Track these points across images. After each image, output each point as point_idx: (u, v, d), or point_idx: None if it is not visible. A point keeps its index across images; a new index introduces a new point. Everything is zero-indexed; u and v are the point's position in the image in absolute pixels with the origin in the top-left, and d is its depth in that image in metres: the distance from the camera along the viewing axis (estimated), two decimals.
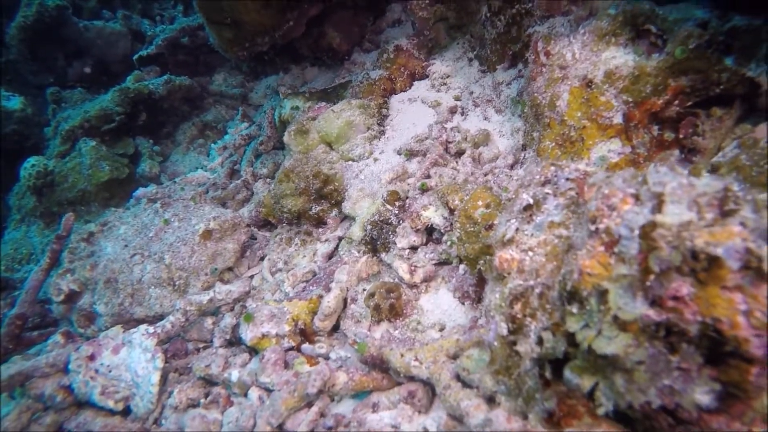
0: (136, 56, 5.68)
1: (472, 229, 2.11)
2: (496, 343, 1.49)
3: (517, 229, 1.61)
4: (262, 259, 3.60)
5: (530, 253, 1.54)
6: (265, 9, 3.49)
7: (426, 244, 2.66)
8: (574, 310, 1.25)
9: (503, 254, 1.55)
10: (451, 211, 2.33)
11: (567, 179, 1.61)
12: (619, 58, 2.25)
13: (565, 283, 1.28)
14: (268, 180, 4.10)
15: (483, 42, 3.54)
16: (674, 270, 1.16)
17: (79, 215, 4.66)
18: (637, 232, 1.15)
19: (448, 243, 2.31)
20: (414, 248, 2.67)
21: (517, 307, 1.48)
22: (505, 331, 1.45)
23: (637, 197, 1.21)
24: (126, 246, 3.40)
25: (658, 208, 1.16)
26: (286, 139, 3.60)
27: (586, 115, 2.23)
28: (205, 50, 5.93)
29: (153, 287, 3.20)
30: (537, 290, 1.41)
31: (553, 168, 1.65)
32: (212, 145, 4.99)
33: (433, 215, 2.46)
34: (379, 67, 3.86)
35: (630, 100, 2.20)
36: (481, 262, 2.09)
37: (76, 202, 4.66)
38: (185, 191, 3.84)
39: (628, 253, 1.16)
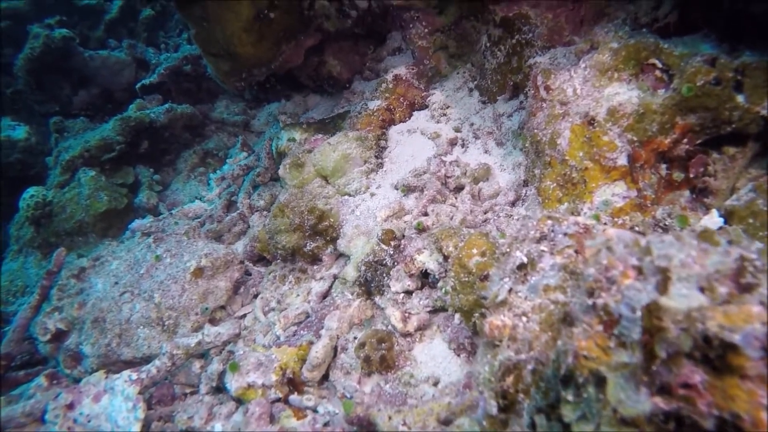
0: (138, 85, 5.68)
1: (467, 279, 1.97)
2: (485, 423, 1.33)
3: (510, 290, 1.47)
4: (255, 296, 3.48)
5: (524, 319, 1.39)
6: (260, 42, 3.43)
7: (421, 288, 2.52)
8: (570, 397, 1.10)
9: (494, 320, 1.41)
10: (446, 258, 2.19)
11: (565, 234, 1.47)
12: (623, 94, 2.12)
13: (560, 364, 1.13)
14: (264, 213, 3.99)
15: (483, 72, 3.44)
16: (684, 355, 1.01)
17: (77, 246, 4.59)
18: (639, 313, 1.00)
19: (443, 291, 2.17)
20: (409, 292, 2.53)
21: (509, 380, 1.33)
22: (494, 410, 1.30)
23: (640, 270, 1.06)
24: (116, 283, 3.30)
25: (663, 285, 1.02)
26: (281, 172, 3.50)
27: (589, 155, 2.10)
28: (208, 77, 5.91)
29: (141, 327, 3.08)
30: (530, 366, 1.26)
31: (549, 222, 1.51)
32: (211, 174, 4.92)
33: (428, 260, 2.33)
34: (377, 97, 3.77)
35: (635, 139, 2.06)
36: (476, 315, 1.94)
37: (73, 233, 4.60)
38: (179, 225, 3.75)
39: (630, 337, 1.01)
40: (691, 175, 2.19)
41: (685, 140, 2.08)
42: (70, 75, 5.80)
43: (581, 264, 1.41)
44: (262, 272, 3.64)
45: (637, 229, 1.98)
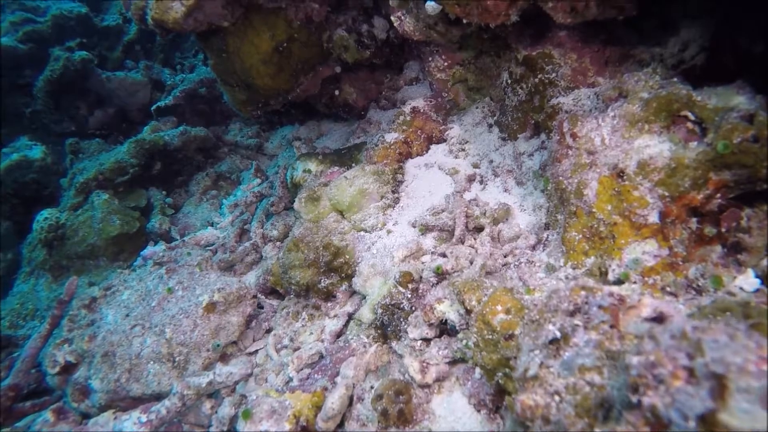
0: (153, 107, 5.70)
1: (490, 337, 1.90)
2: None
3: (541, 364, 1.40)
4: (268, 331, 3.43)
5: (557, 398, 1.32)
6: (279, 74, 3.42)
7: (440, 336, 2.45)
8: None
9: (526, 399, 1.34)
10: (468, 312, 2.13)
11: (600, 307, 1.40)
12: (654, 147, 2.06)
13: None
14: (278, 243, 3.95)
15: (504, 108, 3.39)
16: None
17: (87, 270, 4.58)
18: (693, 423, 0.93)
19: (464, 343, 2.09)
20: (427, 340, 2.46)
21: None
22: None
23: (691, 372, 0.99)
24: (127, 315, 3.26)
25: (719, 392, 0.94)
26: (296, 206, 3.46)
27: (618, 210, 2.03)
28: (222, 100, 5.94)
29: (152, 363, 3.03)
30: None
31: (583, 293, 1.44)
32: (223, 201, 4.90)
33: (448, 310, 2.26)
34: (395, 129, 3.73)
35: (666, 194, 1.99)
36: (499, 374, 1.87)
37: (85, 256, 4.59)
38: (192, 256, 3.71)
39: None
40: (724, 230, 2.11)
41: (719, 195, 2.01)
42: (87, 96, 5.85)
43: (617, 341, 1.34)
44: (275, 306, 3.59)
45: (669, 289, 1.91)
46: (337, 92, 4.47)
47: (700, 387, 0.97)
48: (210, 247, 4.28)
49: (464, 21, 2.54)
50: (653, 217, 1.95)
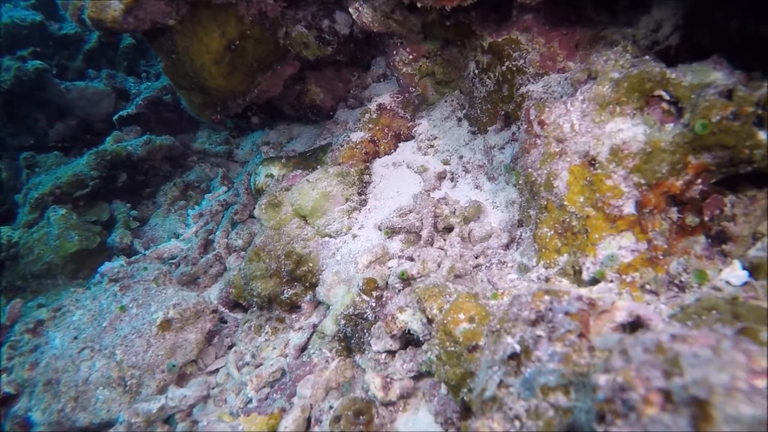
0: (115, 117, 5.46)
1: (453, 349, 1.69)
2: None
3: (500, 383, 1.19)
4: (230, 347, 3.19)
5: (517, 424, 1.11)
6: (232, 74, 3.20)
7: (405, 347, 2.23)
8: None
9: (481, 428, 1.13)
10: (430, 321, 1.92)
11: (566, 314, 1.20)
12: (627, 130, 1.87)
13: None
14: (242, 254, 3.72)
15: (472, 100, 3.21)
16: None
17: (45, 290, 4.31)
18: None
19: (427, 358, 1.88)
20: (392, 353, 2.25)
21: None
22: None
23: (668, 396, 0.79)
24: (76, 338, 3.01)
25: (702, 422, 0.74)
26: (257, 213, 3.24)
27: (591, 201, 1.84)
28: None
29: (101, 389, 2.78)
30: None
31: (547, 298, 1.24)
32: (189, 210, 4.66)
33: (411, 320, 2.05)
34: (360, 128, 3.53)
35: (642, 182, 1.80)
36: (464, 390, 1.66)
37: (41, 275, 4.31)
38: (148, 271, 3.47)
39: None
40: (707, 219, 1.93)
41: (699, 181, 1.82)
42: (46, 107, 5.58)
43: (587, 353, 1.13)
44: (239, 320, 3.36)
45: (649, 287, 1.71)
46: (302, 92, 4.27)
47: (678, 415, 0.77)
48: (173, 260, 4.04)
49: (418, 5, 2.35)
50: (629, 208, 1.76)
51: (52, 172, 4.93)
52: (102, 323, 3.07)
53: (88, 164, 4.80)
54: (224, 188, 4.59)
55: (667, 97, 1.86)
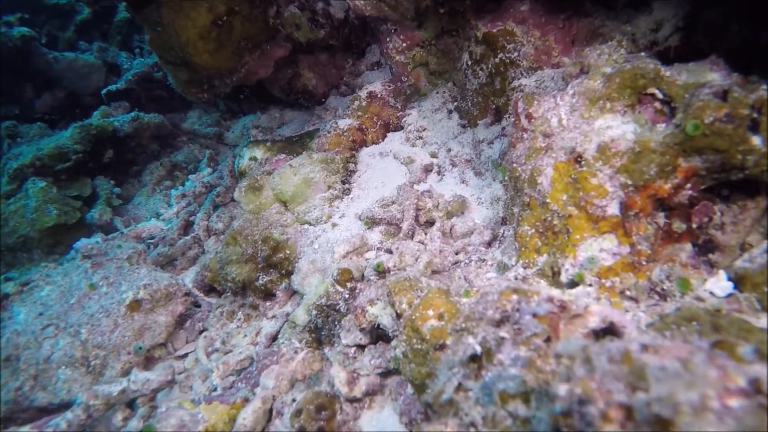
0: (104, 91, 5.33)
1: (420, 347, 1.61)
2: None
3: (458, 386, 1.11)
4: (202, 332, 3.10)
5: (472, 431, 1.03)
6: (219, 51, 3.09)
7: (375, 342, 2.15)
8: None
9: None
10: (398, 316, 1.83)
11: (534, 316, 1.12)
12: (616, 128, 1.79)
13: None
14: (221, 237, 3.62)
15: (464, 93, 3.11)
16: None
17: (19, 263, 4.20)
18: None
19: (394, 355, 1.80)
20: (361, 347, 2.17)
21: None
22: None
23: (629, 413, 0.71)
24: (41, 314, 2.91)
25: None
26: (236, 195, 3.14)
27: (574, 200, 1.75)
28: None
29: (63, 368, 2.69)
30: None
31: (515, 297, 1.16)
32: (172, 191, 4.55)
33: (381, 313, 1.97)
34: (349, 115, 3.43)
35: (629, 182, 1.72)
36: (429, 391, 1.58)
37: (16, 248, 4.20)
38: (122, 249, 3.37)
39: None
40: (694, 226, 1.85)
41: (689, 185, 1.74)
42: (33, 77, 5.45)
43: (552, 360, 1.05)
44: (213, 304, 3.26)
45: (629, 293, 1.63)
46: (294, 76, 4.16)
47: None
48: (152, 240, 3.94)
49: None
50: (613, 209, 1.68)
51: (34, 143, 4.81)
52: (70, 300, 2.97)
53: (72, 137, 4.68)
54: (209, 170, 4.48)
55: (660, 96, 1.78)
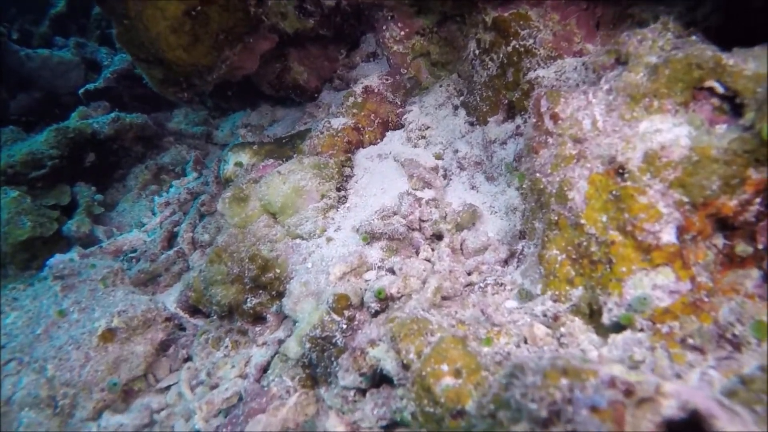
0: (81, 90, 4.98)
1: (432, 411, 1.30)
2: None
3: None
4: (186, 359, 2.80)
5: None
6: (194, 45, 2.75)
7: (378, 386, 1.84)
8: None
9: None
10: (405, 367, 1.52)
11: (593, 410, 0.80)
12: (667, 132, 1.46)
13: None
14: (207, 250, 3.30)
15: (471, 86, 2.77)
16: None
17: None
18: None
19: (403, 404, 1.49)
20: (362, 390, 1.86)
21: None
22: None
23: None
24: (2, 347, 2.61)
25: None
26: (220, 207, 2.82)
27: (617, 222, 1.43)
28: None
29: (26, 410, 2.39)
30: None
31: (565, 382, 0.84)
32: (156, 198, 4.22)
33: (384, 357, 1.65)
34: (343, 113, 3.09)
35: (685, 200, 1.39)
36: None
37: None
38: (96, 268, 3.05)
39: None
40: (760, 246, 1.52)
41: (758, 200, 1.42)
42: (5, 76, 5.10)
43: None
44: (200, 326, 2.96)
45: (692, 342, 1.31)
46: (283, 71, 3.82)
47: None
48: (134, 254, 3.62)
49: None
50: (668, 236, 1.35)
51: (6, 148, 4.48)
52: (36, 330, 2.67)
53: (47, 142, 4.35)
54: (195, 174, 4.16)
55: (721, 90, 1.44)
